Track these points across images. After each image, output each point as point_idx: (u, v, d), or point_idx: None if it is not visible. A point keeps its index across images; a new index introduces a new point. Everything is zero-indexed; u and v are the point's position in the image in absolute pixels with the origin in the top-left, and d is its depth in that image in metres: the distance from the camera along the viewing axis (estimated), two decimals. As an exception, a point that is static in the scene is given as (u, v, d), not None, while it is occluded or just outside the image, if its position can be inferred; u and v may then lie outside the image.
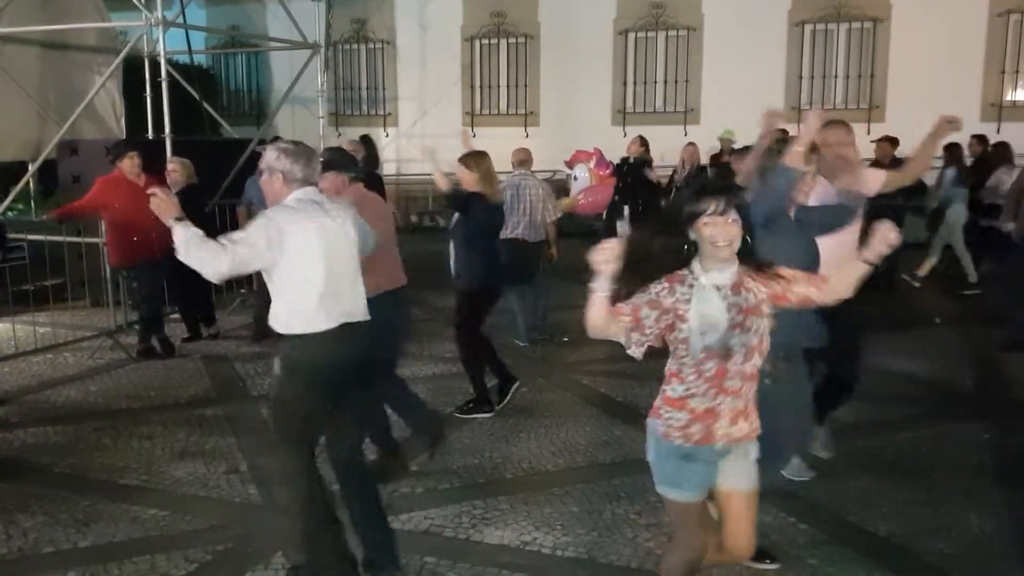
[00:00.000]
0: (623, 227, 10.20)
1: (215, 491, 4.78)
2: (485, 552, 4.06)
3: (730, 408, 2.87)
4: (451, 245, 6.25)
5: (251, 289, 9.02)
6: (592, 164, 9.47)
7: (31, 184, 11.06)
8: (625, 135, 13.48)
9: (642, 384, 6.27)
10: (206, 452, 5.32)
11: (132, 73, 11.31)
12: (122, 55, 10.49)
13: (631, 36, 16.30)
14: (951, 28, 14.41)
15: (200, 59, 16.43)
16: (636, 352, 2.84)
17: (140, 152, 7.37)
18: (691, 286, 2.80)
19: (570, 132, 15.26)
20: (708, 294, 2.79)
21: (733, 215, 2.77)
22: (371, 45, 17.71)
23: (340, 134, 15.87)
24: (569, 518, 4.40)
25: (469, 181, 5.80)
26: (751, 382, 2.91)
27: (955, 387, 6.67)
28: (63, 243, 8.03)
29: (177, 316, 8.27)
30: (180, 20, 11.30)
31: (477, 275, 5.83)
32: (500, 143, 15.72)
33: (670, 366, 2.92)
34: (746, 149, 5.18)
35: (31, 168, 10.63)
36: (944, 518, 4.39)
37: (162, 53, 9.52)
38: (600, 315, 2.72)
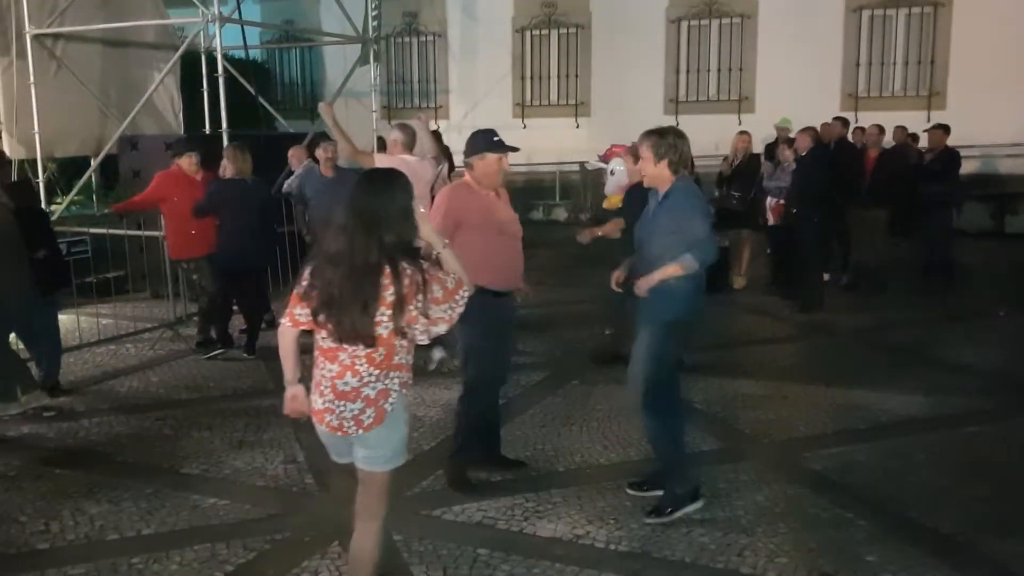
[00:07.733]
0: None
1: (273, 480, 4.86)
2: (538, 545, 4.06)
3: None
4: None
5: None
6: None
7: (93, 178, 11.35)
8: (678, 124, 13.32)
9: (696, 377, 6.21)
10: (264, 442, 5.40)
11: (189, 68, 11.52)
12: (180, 51, 10.70)
13: (684, 24, 16.11)
14: (1016, 11, 13.95)
15: (255, 54, 16.67)
16: None
17: (199, 151, 7.52)
18: None
19: (621, 122, 14.98)
20: None
21: None
22: (422, 38, 17.78)
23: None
24: (622, 512, 4.37)
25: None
26: None
27: (1020, 381, 6.48)
28: (124, 236, 8.20)
29: (235, 308, 8.36)
30: (236, 16, 11.48)
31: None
32: (551, 134, 15.82)
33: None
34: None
35: (93, 163, 10.91)
36: (1010, 516, 4.28)
37: (218, 48, 9.67)
38: None
